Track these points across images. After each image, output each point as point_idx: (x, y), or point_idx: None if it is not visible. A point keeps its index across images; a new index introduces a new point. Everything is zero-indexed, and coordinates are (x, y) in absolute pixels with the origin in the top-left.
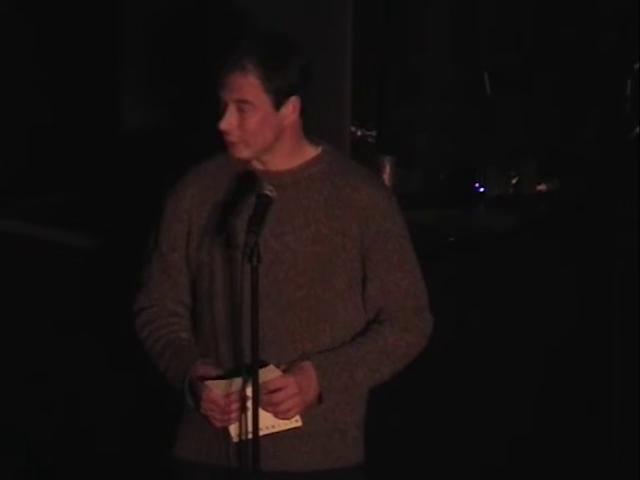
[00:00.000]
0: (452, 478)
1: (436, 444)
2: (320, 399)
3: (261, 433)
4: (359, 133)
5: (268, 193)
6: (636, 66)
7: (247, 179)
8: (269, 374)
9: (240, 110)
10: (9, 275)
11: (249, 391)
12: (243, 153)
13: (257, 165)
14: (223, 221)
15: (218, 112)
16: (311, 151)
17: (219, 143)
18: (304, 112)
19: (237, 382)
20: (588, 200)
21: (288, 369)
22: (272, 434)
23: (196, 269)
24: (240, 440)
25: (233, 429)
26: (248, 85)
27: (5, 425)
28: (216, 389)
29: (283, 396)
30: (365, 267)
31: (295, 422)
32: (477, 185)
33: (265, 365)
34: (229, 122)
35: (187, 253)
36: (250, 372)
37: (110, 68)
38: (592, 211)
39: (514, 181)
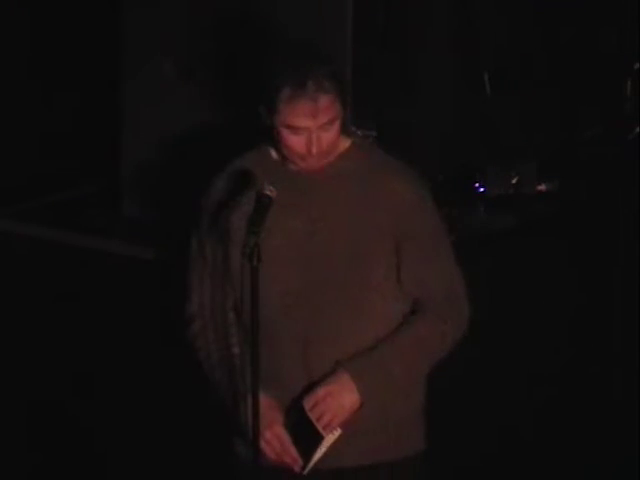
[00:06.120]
0: (452, 472)
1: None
2: (362, 403)
3: (318, 456)
4: (359, 133)
5: (268, 193)
6: (636, 66)
7: (246, 179)
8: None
9: (323, 130)
10: (8, 275)
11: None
12: (318, 165)
13: (292, 165)
14: (220, 222)
15: (286, 138)
16: (341, 144)
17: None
18: None
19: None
20: (588, 200)
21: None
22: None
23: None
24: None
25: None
26: (331, 103)
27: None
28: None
29: (320, 409)
30: (399, 256)
31: (336, 432)
32: (477, 185)
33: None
34: (320, 147)
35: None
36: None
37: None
38: (592, 211)
39: (514, 181)
